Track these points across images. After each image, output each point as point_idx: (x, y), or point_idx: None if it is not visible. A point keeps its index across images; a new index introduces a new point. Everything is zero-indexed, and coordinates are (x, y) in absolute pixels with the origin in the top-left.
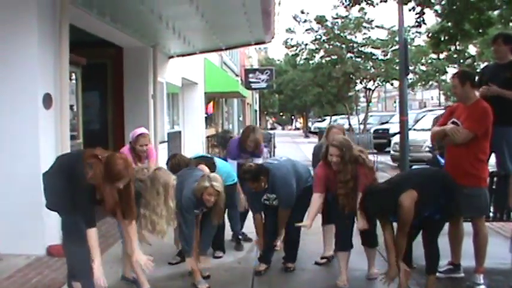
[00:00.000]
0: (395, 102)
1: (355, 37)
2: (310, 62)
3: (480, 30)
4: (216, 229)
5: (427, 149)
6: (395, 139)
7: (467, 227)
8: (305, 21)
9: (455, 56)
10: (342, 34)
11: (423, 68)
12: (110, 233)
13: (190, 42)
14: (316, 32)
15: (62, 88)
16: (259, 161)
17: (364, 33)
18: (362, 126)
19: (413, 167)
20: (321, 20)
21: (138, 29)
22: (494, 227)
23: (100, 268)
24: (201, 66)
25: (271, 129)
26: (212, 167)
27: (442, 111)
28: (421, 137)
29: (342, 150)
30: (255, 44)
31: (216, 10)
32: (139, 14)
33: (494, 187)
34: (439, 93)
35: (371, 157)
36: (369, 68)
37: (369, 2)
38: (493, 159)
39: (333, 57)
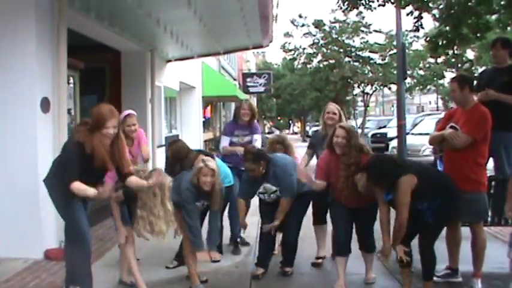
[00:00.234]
0: (393, 106)
1: (353, 41)
2: (308, 66)
3: (478, 35)
4: (219, 220)
5: (429, 152)
6: (393, 143)
7: (465, 231)
8: (303, 25)
9: (453, 60)
10: (339, 38)
11: (421, 72)
12: (108, 236)
13: (188, 46)
14: (314, 36)
15: (59, 92)
16: (258, 143)
17: (362, 38)
18: (360, 131)
19: None
20: (318, 24)
21: (136, 33)
22: (492, 232)
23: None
24: (198, 70)
25: (268, 133)
26: None
27: (443, 115)
28: (419, 141)
29: (348, 133)
30: (253, 48)
31: (214, 14)
32: (137, 18)
33: (492, 191)
34: (437, 98)
35: None
36: (366, 72)
37: (367, 6)
38: (490, 163)
39: (330, 61)
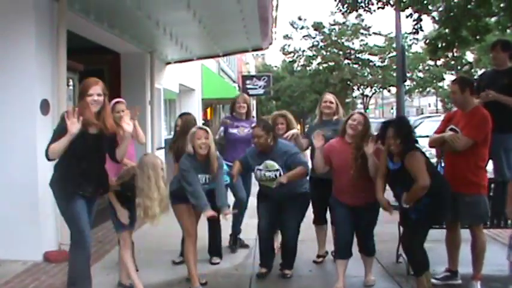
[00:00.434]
0: (392, 108)
1: (353, 43)
2: (308, 68)
3: (477, 37)
4: (223, 183)
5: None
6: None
7: (464, 233)
8: (302, 27)
9: (452, 62)
10: (339, 40)
11: (420, 74)
12: (108, 239)
13: (187, 49)
14: (314, 38)
15: (59, 94)
16: None
17: (362, 40)
18: None
19: None
20: (318, 26)
21: (135, 35)
22: (491, 234)
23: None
24: (198, 72)
25: None
26: None
27: (443, 117)
28: (419, 143)
29: (365, 118)
30: (253, 51)
31: (213, 16)
32: (136, 20)
33: (491, 194)
34: (436, 100)
35: None
36: (366, 74)
37: (367, 8)
38: (490, 165)
39: (330, 63)
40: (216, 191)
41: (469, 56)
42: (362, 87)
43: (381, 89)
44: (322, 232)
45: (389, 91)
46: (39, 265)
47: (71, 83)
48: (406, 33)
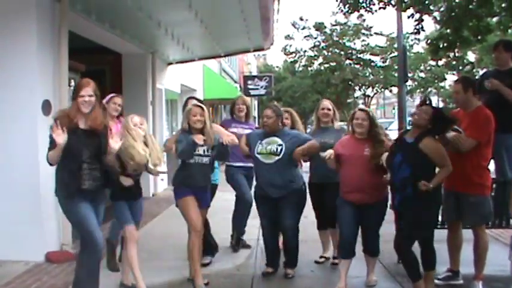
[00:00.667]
0: (394, 108)
1: (354, 44)
2: (309, 68)
3: (479, 37)
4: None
5: None
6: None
7: (466, 233)
8: (304, 28)
9: (454, 62)
10: (340, 41)
11: (422, 74)
12: None
13: (189, 49)
14: (315, 38)
15: (61, 94)
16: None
17: (363, 40)
18: None
19: None
20: (319, 26)
21: (136, 36)
22: (493, 234)
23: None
24: (199, 72)
25: None
26: None
27: None
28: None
29: (368, 114)
30: (254, 51)
31: (214, 16)
32: (138, 21)
33: (493, 194)
34: (438, 100)
35: None
36: (367, 74)
37: (368, 8)
38: (491, 165)
39: (331, 64)
40: (218, 156)
41: (471, 56)
42: (363, 87)
43: (383, 89)
44: (325, 235)
45: (390, 91)
46: (41, 265)
47: (72, 83)
48: (407, 33)
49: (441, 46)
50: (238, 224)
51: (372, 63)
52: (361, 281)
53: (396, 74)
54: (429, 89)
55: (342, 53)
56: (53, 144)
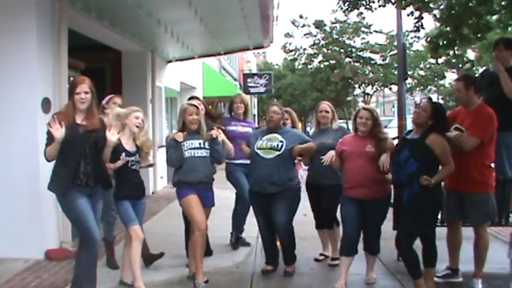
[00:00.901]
0: (393, 106)
1: (354, 42)
2: (309, 66)
3: (479, 35)
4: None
5: None
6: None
7: (466, 231)
8: (303, 25)
9: (453, 60)
10: (340, 39)
11: (422, 72)
12: None
13: (188, 47)
14: (315, 36)
15: (60, 92)
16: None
17: (363, 38)
18: None
19: None
20: (319, 24)
21: (136, 33)
22: (492, 232)
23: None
24: (199, 70)
25: None
26: None
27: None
28: None
29: (372, 113)
30: (254, 49)
31: (214, 14)
32: (137, 18)
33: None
34: (438, 98)
35: None
36: (367, 72)
37: (368, 6)
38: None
39: (331, 61)
40: (213, 152)
41: (470, 54)
42: (363, 85)
43: (382, 87)
44: (324, 235)
45: (390, 89)
46: (41, 263)
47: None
48: (407, 31)
49: (441, 44)
50: (238, 222)
51: (372, 61)
52: (360, 279)
53: (396, 72)
54: (429, 87)
55: (342, 51)
56: (50, 140)
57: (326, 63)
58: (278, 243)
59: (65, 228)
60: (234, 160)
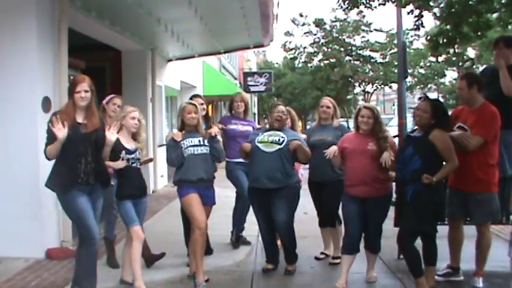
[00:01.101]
0: (393, 105)
1: (354, 40)
2: (309, 65)
3: (479, 33)
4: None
5: None
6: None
7: (468, 230)
8: (303, 24)
9: (454, 59)
10: (340, 37)
11: (422, 70)
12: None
13: (188, 46)
14: (315, 35)
15: (60, 92)
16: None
17: (363, 36)
18: None
19: None
20: (319, 23)
21: (136, 32)
22: (493, 230)
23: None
24: (199, 69)
25: None
26: None
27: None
28: None
29: (373, 112)
30: (254, 47)
31: (214, 13)
32: (138, 17)
33: None
34: (438, 96)
35: None
36: (367, 71)
37: (368, 5)
38: None
39: (331, 60)
40: (212, 150)
41: (471, 52)
42: (363, 83)
43: (382, 86)
44: (326, 233)
45: (390, 87)
46: (41, 262)
47: None
48: (407, 29)
49: (441, 42)
50: (238, 221)
51: (372, 60)
52: (361, 277)
53: (396, 70)
54: (429, 85)
55: (342, 49)
56: (51, 139)
57: (326, 61)
58: (279, 242)
59: (66, 227)
60: (234, 159)
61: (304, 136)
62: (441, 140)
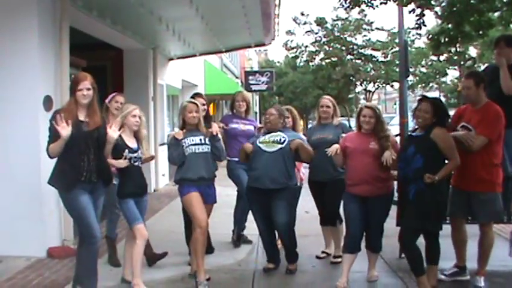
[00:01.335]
0: (395, 104)
1: (355, 39)
2: (310, 64)
3: (480, 32)
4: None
5: None
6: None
7: (470, 229)
8: (305, 23)
9: (455, 57)
10: (341, 36)
11: (423, 69)
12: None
13: (190, 44)
14: (316, 34)
15: (62, 90)
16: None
17: (364, 35)
18: None
19: None
20: (321, 22)
21: (138, 31)
22: (495, 229)
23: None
24: (201, 68)
25: None
26: None
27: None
28: None
29: (375, 111)
30: (255, 46)
31: (216, 12)
32: (139, 16)
33: None
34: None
35: None
36: (369, 70)
37: (369, 4)
38: None
39: (333, 59)
40: (213, 149)
41: (472, 51)
42: (365, 82)
43: (384, 85)
44: (327, 232)
45: (392, 86)
46: (43, 261)
47: None
48: (408, 28)
49: (442, 41)
50: (239, 220)
51: (373, 59)
52: (362, 276)
53: (397, 69)
54: (430, 84)
55: (343, 48)
56: (54, 137)
57: (327, 60)
58: (279, 242)
59: (67, 226)
60: (236, 157)
61: (304, 138)
62: (442, 138)
